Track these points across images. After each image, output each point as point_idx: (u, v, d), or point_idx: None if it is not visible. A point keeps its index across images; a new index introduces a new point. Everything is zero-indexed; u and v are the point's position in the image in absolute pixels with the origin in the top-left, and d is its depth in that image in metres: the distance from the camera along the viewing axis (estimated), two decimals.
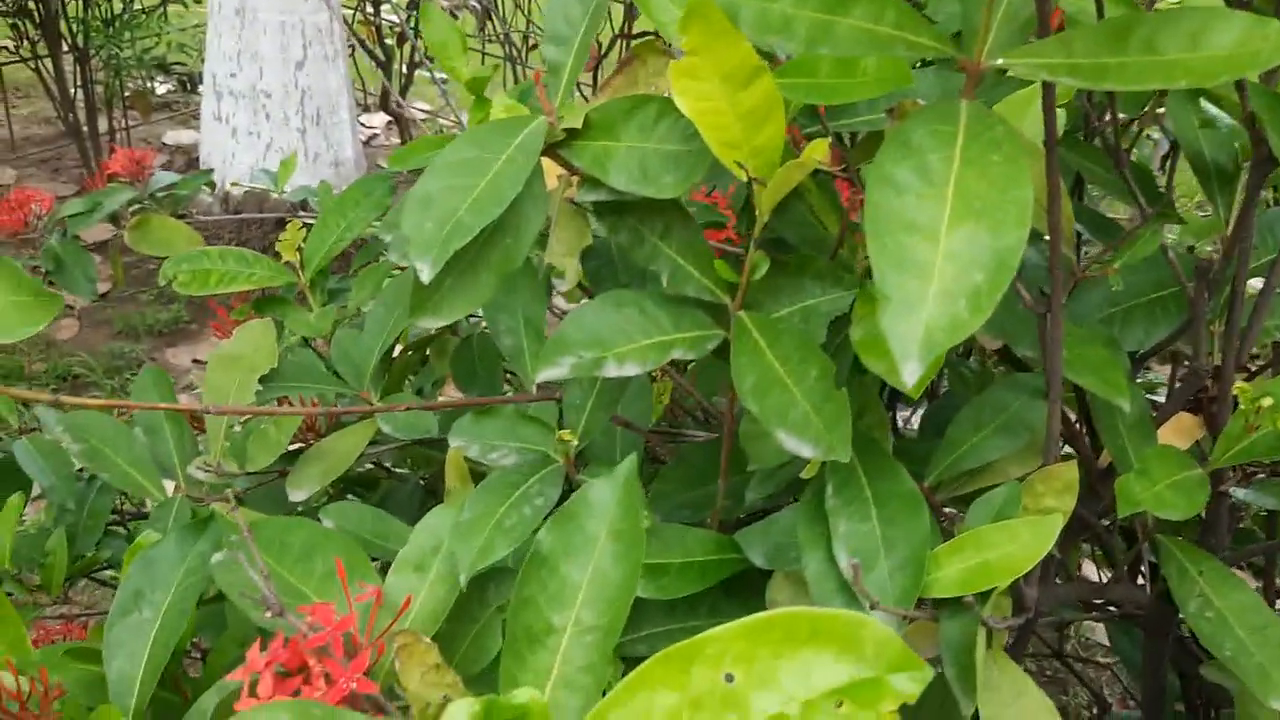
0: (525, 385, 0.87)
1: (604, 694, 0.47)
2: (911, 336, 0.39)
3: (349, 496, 1.23)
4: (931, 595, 0.56)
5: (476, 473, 0.82)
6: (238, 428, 0.99)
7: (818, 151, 0.53)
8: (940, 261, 0.40)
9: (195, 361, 3.45)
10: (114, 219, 1.60)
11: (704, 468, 0.74)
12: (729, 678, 0.36)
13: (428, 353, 1.24)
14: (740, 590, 0.70)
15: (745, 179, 0.55)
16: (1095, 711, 1.53)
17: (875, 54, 0.50)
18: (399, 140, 4.96)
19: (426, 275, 0.53)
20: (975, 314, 0.39)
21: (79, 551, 1.16)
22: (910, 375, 0.39)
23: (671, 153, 0.57)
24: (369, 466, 1.28)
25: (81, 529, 1.17)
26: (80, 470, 1.22)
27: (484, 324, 1.33)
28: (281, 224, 3.80)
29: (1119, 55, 0.43)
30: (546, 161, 0.61)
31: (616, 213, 0.61)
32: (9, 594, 1.13)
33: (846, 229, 0.62)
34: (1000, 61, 0.45)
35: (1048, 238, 0.58)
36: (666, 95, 0.59)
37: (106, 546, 1.18)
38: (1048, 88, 0.50)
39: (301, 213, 1.82)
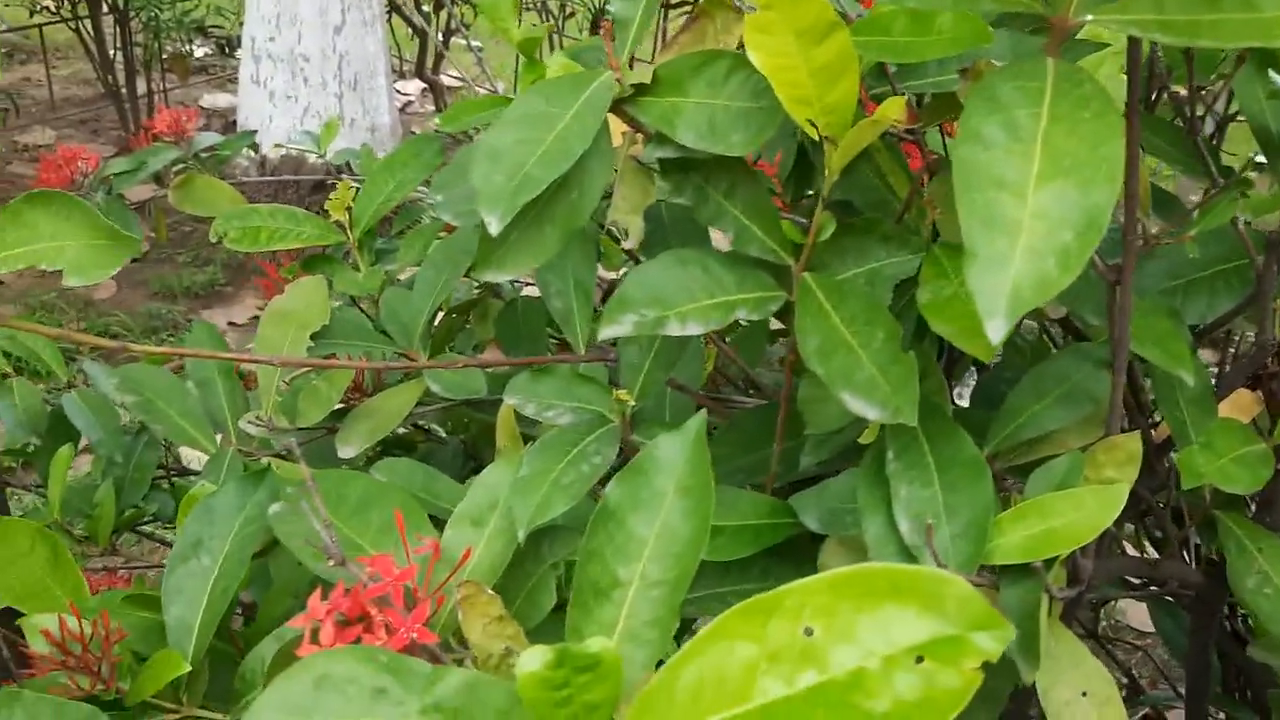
0: (574, 349, 0.87)
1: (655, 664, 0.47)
2: (998, 293, 0.38)
3: (388, 457, 1.23)
4: (993, 562, 0.56)
5: (525, 435, 0.83)
6: (284, 385, 1.00)
7: (893, 110, 0.52)
8: (1028, 219, 0.40)
9: (230, 324, 3.47)
10: (157, 178, 1.61)
11: (757, 433, 0.73)
12: (808, 631, 0.36)
13: (470, 317, 1.24)
14: (791, 555, 0.70)
15: (816, 137, 0.55)
16: (1127, 693, 1.52)
17: (955, 9, 0.49)
18: (434, 107, 4.96)
19: (495, 228, 0.53)
20: (1064, 272, 0.39)
21: (125, 505, 1.18)
22: (995, 333, 0.38)
23: (741, 109, 0.56)
24: (403, 430, 1.29)
25: (128, 483, 1.18)
26: (127, 424, 1.24)
27: (526, 288, 1.33)
28: (319, 188, 3.81)
29: (1213, 12, 0.42)
30: (611, 117, 0.61)
31: (681, 170, 0.61)
32: None
33: (915, 191, 0.61)
34: (1090, 18, 0.44)
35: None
36: (736, 51, 0.59)
37: (152, 500, 1.20)
38: (1133, 45, 0.49)
39: (344, 176, 1.82)
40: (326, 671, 0.47)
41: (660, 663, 0.49)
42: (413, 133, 4.62)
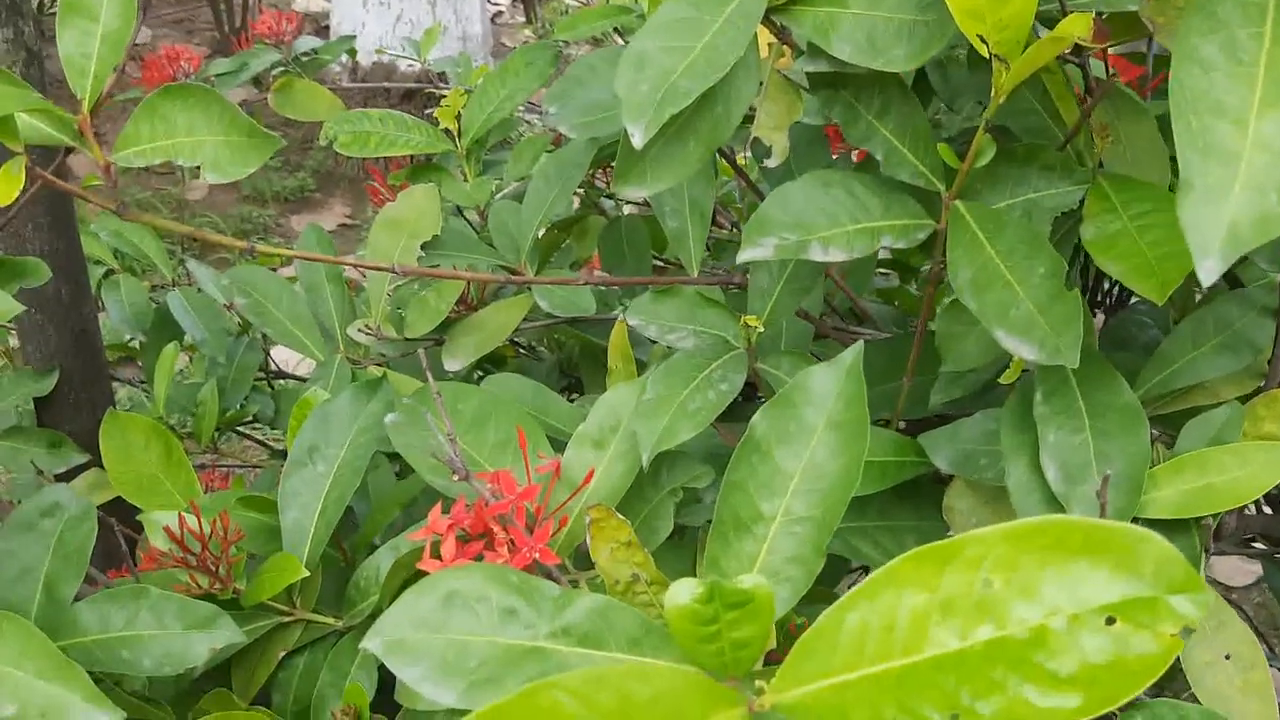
0: (686, 270, 0.85)
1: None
2: (1214, 230, 0.35)
3: (478, 372, 1.23)
4: (1146, 516, 0.53)
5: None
6: (388, 293, 0.99)
7: (1077, 26, 0.48)
8: (1249, 149, 0.36)
9: None
10: (256, 81, 1.60)
11: (883, 365, 0.70)
12: (987, 583, 0.34)
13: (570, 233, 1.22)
14: (911, 494, 0.68)
15: (986, 54, 0.51)
16: None
17: None
18: (524, 18, 4.89)
19: (639, 140, 0.50)
20: None
21: (227, 405, 1.19)
22: (1208, 273, 0.35)
23: (905, 22, 0.53)
24: None
25: (230, 383, 1.19)
26: (229, 326, 1.25)
27: (627, 207, 1.30)
28: (407, 96, 3.76)
29: None
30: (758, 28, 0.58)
31: (831, 86, 0.57)
32: None
33: (1084, 118, 0.57)
34: None
35: None
36: None
37: (254, 402, 1.21)
38: None
39: (439, 85, 1.79)
40: (456, 588, 0.46)
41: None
42: (503, 43, 4.57)
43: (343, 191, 3.71)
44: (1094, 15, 0.48)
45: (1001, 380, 0.61)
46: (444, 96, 1.11)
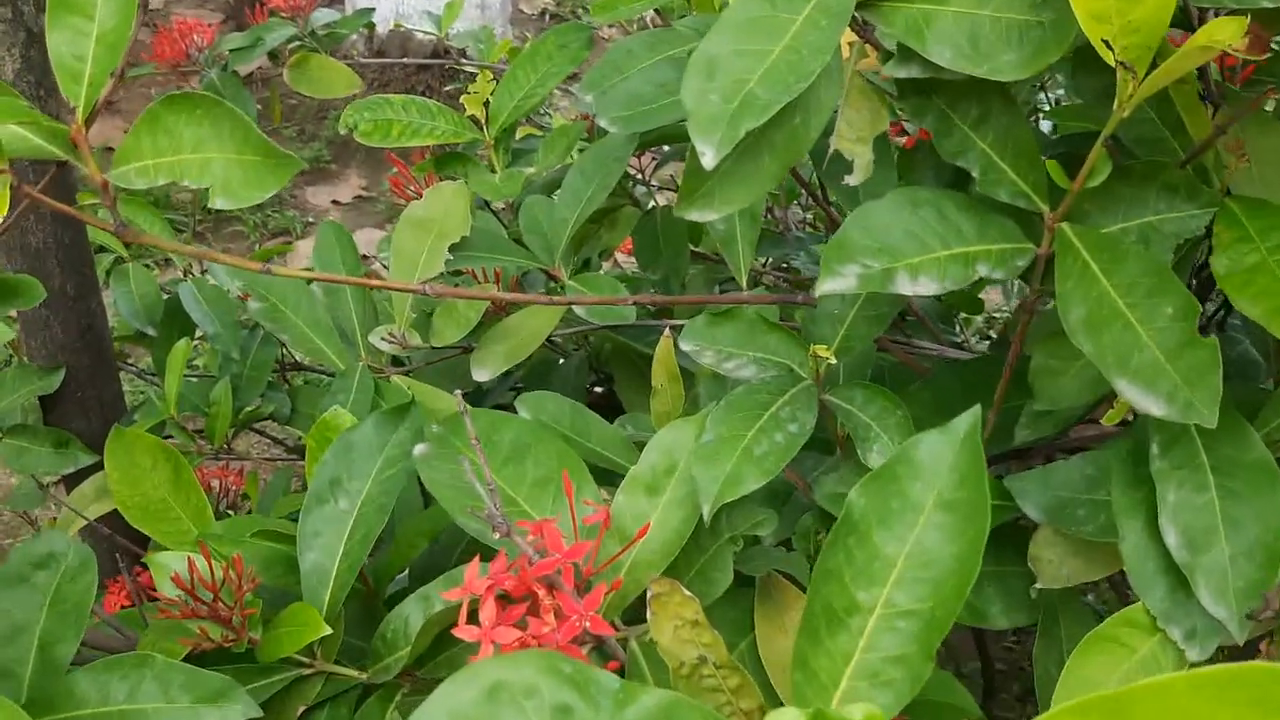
0: (734, 276, 0.79)
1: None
2: None
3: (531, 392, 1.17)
4: None
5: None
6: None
7: (1226, 32, 0.41)
8: None
9: (334, 202, 3.44)
10: (272, 55, 1.54)
11: (960, 393, 0.64)
12: None
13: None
14: (990, 536, 0.62)
15: (1111, 61, 0.44)
16: None
17: None
18: None
19: (710, 160, 0.44)
20: None
21: (242, 403, 1.14)
22: None
23: (1016, 23, 0.46)
24: None
25: (245, 380, 1.14)
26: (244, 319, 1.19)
27: (662, 196, 1.23)
28: (423, 67, 3.66)
29: None
30: None
31: (922, 92, 0.51)
32: (167, 436, 1.11)
33: (1217, 133, 0.50)
34: None
35: None
36: None
37: (270, 401, 1.15)
38: None
39: (461, 60, 1.72)
40: (502, 678, 0.40)
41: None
42: (521, 10, 4.47)
43: (359, 162, 3.64)
44: (1249, 20, 0.41)
45: (1105, 422, 0.54)
46: (464, 70, 1.04)
